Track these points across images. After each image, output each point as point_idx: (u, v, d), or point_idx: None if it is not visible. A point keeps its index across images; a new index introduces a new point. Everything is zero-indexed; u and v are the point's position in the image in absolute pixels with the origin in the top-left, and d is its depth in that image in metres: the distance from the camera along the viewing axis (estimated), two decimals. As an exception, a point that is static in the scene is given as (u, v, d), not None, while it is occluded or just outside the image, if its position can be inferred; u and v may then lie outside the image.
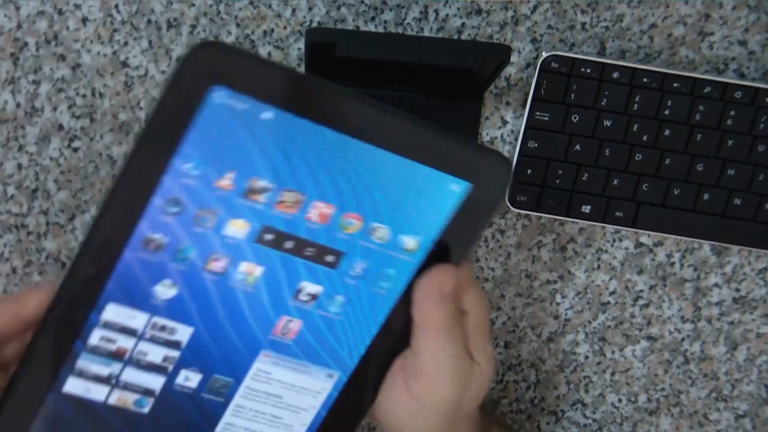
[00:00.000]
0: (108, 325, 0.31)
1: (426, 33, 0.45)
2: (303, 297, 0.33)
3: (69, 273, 0.29)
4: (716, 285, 0.48)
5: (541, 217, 0.47)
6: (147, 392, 0.33)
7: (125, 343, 0.31)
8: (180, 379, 0.33)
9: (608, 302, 0.48)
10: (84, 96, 0.45)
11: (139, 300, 0.31)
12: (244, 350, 0.33)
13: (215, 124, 0.28)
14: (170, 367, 0.32)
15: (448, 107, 0.45)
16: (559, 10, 0.45)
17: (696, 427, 0.50)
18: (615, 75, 0.44)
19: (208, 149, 0.28)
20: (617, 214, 0.46)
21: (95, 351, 0.31)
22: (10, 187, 0.45)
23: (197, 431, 0.34)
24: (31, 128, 0.45)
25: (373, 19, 0.45)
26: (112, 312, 0.30)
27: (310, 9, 0.45)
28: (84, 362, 0.31)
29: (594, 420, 0.50)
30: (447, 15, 0.45)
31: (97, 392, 0.32)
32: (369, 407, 0.36)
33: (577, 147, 0.45)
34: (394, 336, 0.34)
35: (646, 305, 0.48)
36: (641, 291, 0.48)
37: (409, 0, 0.45)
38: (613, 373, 0.49)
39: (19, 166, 0.45)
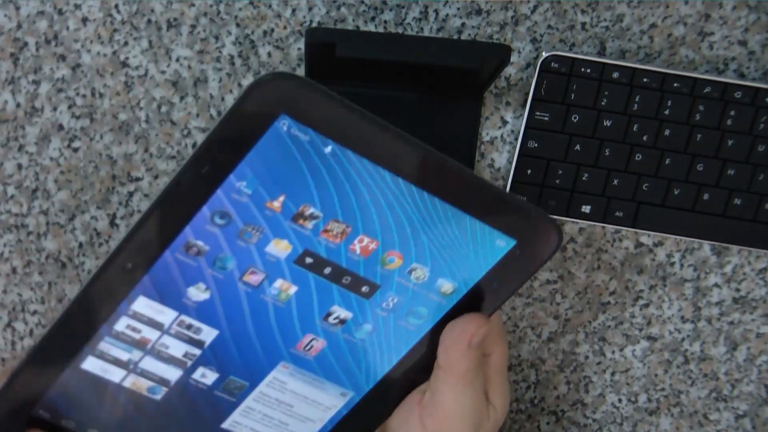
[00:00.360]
0: (136, 316, 0.31)
1: (426, 33, 0.45)
2: (332, 320, 0.33)
3: (109, 260, 0.30)
4: (716, 285, 0.48)
5: (541, 217, 0.47)
6: (162, 381, 0.33)
7: (149, 334, 0.32)
8: (197, 375, 0.33)
9: (608, 302, 0.48)
10: (84, 96, 0.45)
11: (171, 297, 0.31)
12: (264, 358, 0.34)
13: (275, 149, 0.29)
14: (189, 363, 0.33)
15: (448, 107, 0.45)
16: (559, 10, 0.45)
17: (696, 427, 0.50)
18: (615, 75, 0.44)
19: (265, 171, 0.29)
20: (617, 214, 0.46)
21: (119, 337, 0.32)
22: (10, 187, 0.45)
23: (204, 423, 0.35)
24: (31, 128, 0.45)
25: (373, 19, 0.45)
26: (143, 304, 0.31)
27: (310, 9, 0.45)
28: (106, 345, 0.32)
29: (594, 420, 0.50)
30: (447, 15, 0.45)
31: (114, 374, 0.33)
32: (374, 430, 0.36)
33: (577, 147, 0.45)
34: (414, 369, 0.35)
35: (646, 305, 0.48)
36: (641, 291, 0.48)
37: (409, 0, 0.45)
38: (613, 373, 0.49)
39: (19, 166, 0.45)
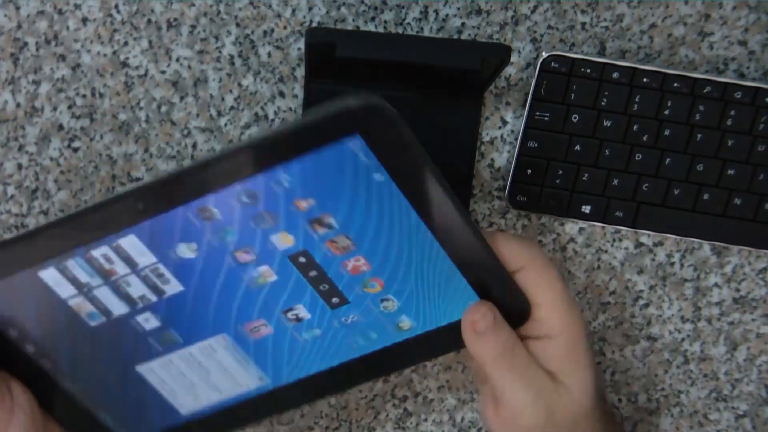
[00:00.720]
0: (118, 250, 0.32)
1: (426, 33, 0.45)
2: (290, 315, 0.35)
3: (126, 194, 0.31)
4: (716, 285, 0.48)
5: (541, 217, 0.47)
6: (105, 312, 0.34)
7: (120, 269, 0.33)
8: (140, 317, 0.35)
9: (608, 302, 0.48)
10: (84, 96, 0.45)
11: (159, 246, 0.32)
12: (210, 325, 0.35)
13: (333, 160, 0.30)
14: (140, 305, 0.34)
15: (448, 107, 0.45)
16: (559, 10, 0.45)
17: (696, 427, 0.50)
18: (615, 75, 0.44)
19: (311, 174, 0.30)
20: (617, 214, 0.46)
21: (90, 261, 0.33)
22: (10, 187, 0.45)
23: (120, 360, 0.36)
24: (31, 128, 0.45)
25: (373, 19, 0.45)
26: (130, 243, 0.32)
27: (310, 9, 0.45)
28: (74, 264, 0.32)
29: (594, 420, 0.50)
30: (447, 15, 0.45)
31: (65, 291, 0.33)
32: (263, 421, 0.40)
33: (577, 147, 0.45)
34: (330, 383, 0.38)
35: (646, 305, 0.48)
36: (641, 291, 0.48)
37: (409, 0, 0.45)
38: (613, 373, 0.49)
39: (19, 166, 0.45)
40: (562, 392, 0.35)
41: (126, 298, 0.34)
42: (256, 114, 0.45)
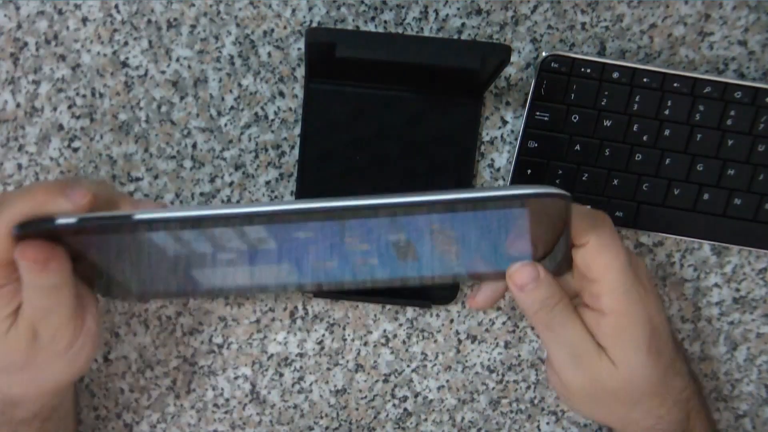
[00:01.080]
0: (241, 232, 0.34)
1: (426, 33, 0.45)
2: (360, 258, 0.37)
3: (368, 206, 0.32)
4: (716, 285, 0.48)
5: (541, 217, 0.47)
6: (188, 249, 0.35)
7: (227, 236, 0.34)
8: (221, 255, 0.36)
9: (608, 302, 0.48)
10: (84, 96, 0.45)
11: (278, 230, 0.34)
12: (281, 260, 0.37)
13: (493, 215, 0.33)
14: (227, 249, 0.35)
15: (448, 107, 0.45)
16: (559, 10, 0.45)
17: (696, 427, 0.50)
18: (615, 75, 0.44)
19: (471, 217, 0.34)
20: (617, 214, 0.46)
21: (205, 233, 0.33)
22: (10, 187, 0.45)
23: (179, 267, 0.36)
24: (31, 128, 0.45)
25: (373, 19, 0.45)
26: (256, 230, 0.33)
27: (310, 9, 0.45)
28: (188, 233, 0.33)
29: (594, 420, 0.50)
30: (447, 15, 0.45)
31: (160, 238, 0.34)
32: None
33: (577, 147, 0.45)
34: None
35: (646, 305, 0.48)
36: (641, 291, 0.48)
37: (409, 0, 0.45)
38: (613, 373, 0.49)
39: (19, 166, 0.45)
40: (607, 365, 0.36)
41: (218, 246, 0.35)
42: (256, 114, 0.45)
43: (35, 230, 0.32)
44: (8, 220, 0.31)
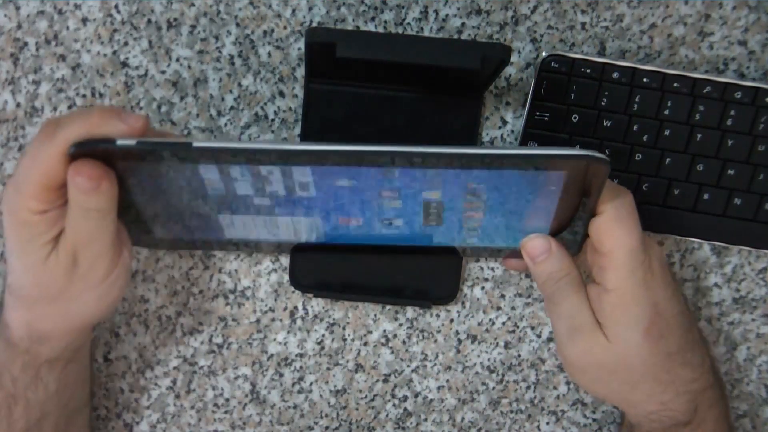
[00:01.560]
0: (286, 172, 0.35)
1: (426, 33, 0.45)
2: (385, 221, 0.39)
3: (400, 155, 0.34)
4: (716, 285, 0.48)
5: (541, 217, 0.47)
6: (229, 190, 0.36)
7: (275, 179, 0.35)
8: (257, 199, 0.37)
9: (608, 302, 0.48)
10: (84, 96, 0.45)
11: (323, 174, 0.35)
12: (310, 212, 0.38)
13: (531, 176, 0.35)
14: (266, 194, 0.36)
15: (448, 107, 0.45)
16: (559, 10, 0.45)
17: (696, 427, 0.50)
18: (615, 75, 0.44)
19: (509, 176, 0.36)
20: (617, 214, 0.46)
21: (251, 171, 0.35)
22: (10, 187, 0.45)
23: (209, 208, 0.38)
24: (31, 128, 0.45)
25: (373, 19, 0.45)
26: (302, 171, 0.35)
27: (310, 9, 0.45)
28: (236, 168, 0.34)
29: (594, 420, 0.50)
30: (447, 15, 0.45)
31: (208, 172, 0.35)
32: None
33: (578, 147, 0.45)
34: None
35: (646, 305, 0.48)
36: (641, 291, 0.48)
37: (409, 0, 0.45)
38: (613, 373, 0.49)
39: (19, 166, 0.45)
40: (601, 340, 0.37)
41: (258, 188, 0.36)
42: (256, 114, 0.45)
43: (92, 150, 0.32)
44: (65, 138, 0.31)
